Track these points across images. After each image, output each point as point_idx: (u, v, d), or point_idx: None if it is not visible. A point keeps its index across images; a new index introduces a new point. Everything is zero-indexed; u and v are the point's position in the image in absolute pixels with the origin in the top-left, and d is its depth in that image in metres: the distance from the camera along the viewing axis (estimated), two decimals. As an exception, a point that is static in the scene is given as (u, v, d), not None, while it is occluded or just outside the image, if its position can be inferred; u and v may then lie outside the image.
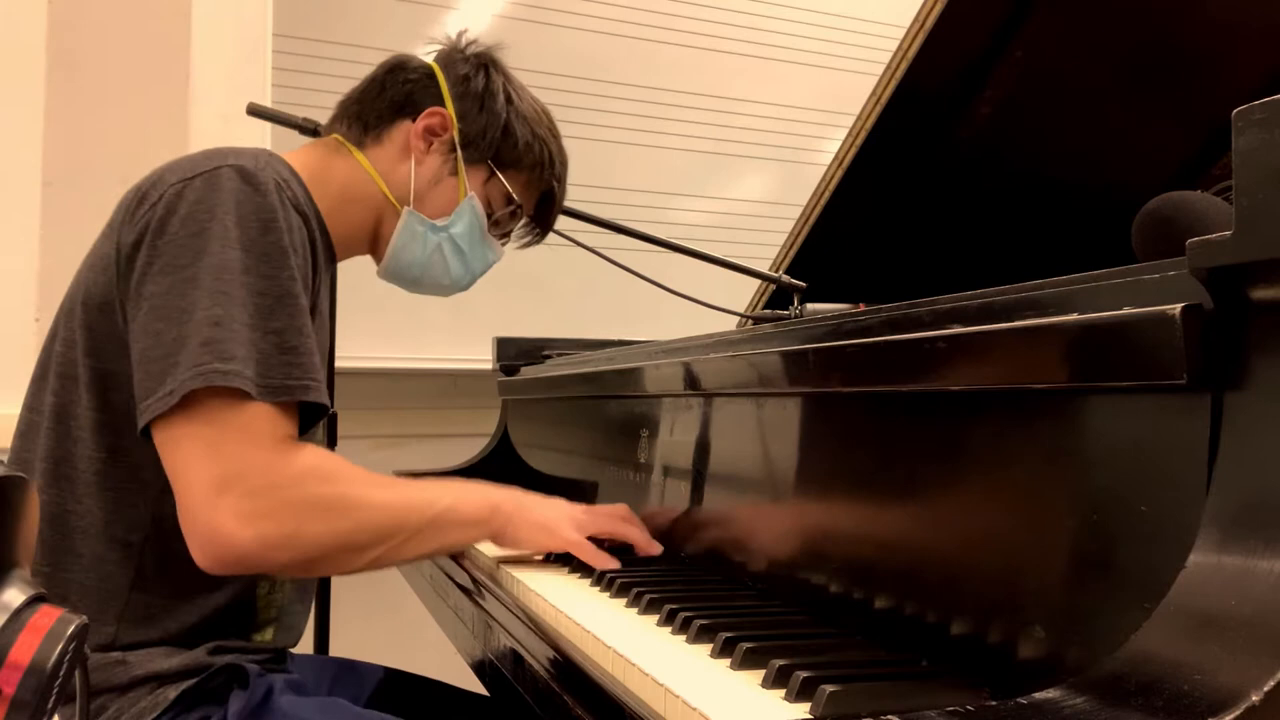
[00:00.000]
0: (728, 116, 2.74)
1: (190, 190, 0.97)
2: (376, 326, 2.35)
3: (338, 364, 1.94)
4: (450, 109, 1.19)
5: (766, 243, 1.81)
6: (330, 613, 1.79)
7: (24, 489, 0.50)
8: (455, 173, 1.19)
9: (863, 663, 0.68)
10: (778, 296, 1.46)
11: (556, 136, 1.27)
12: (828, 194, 1.38)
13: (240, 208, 0.96)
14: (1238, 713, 0.40)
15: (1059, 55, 1.25)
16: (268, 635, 1.09)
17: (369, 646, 1.51)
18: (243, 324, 0.93)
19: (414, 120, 1.18)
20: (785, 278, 1.40)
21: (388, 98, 1.19)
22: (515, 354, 1.83)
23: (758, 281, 1.54)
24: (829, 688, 0.59)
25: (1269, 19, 1.22)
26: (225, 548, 0.90)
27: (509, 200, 1.23)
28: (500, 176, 1.21)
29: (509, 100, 1.22)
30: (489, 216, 1.23)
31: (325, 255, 1.10)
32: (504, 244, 1.30)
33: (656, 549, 1.11)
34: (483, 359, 1.90)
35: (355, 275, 2.21)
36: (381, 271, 1.24)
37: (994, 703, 0.48)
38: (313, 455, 0.98)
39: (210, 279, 0.93)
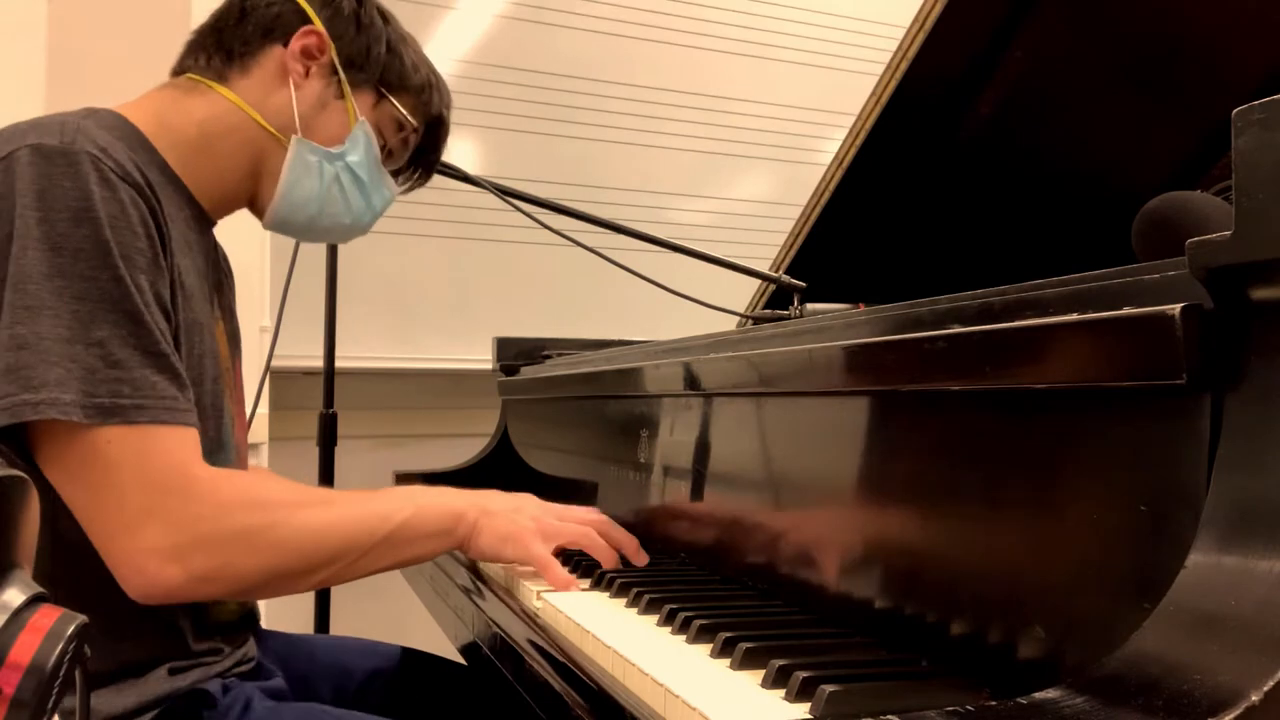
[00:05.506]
0: (728, 116, 2.74)
1: None
2: (376, 326, 2.35)
3: (338, 364, 1.94)
4: (322, 30, 1.07)
5: (766, 243, 1.82)
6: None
7: (24, 489, 0.50)
8: (340, 96, 1.08)
9: (863, 663, 0.68)
10: (778, 296, 1.46)
11: (431, 64, 1.18)
12: (828, 194, 1.39)
13: (43, 198, 0.83)
14: (1237, 713, 0.40)
15: (1059, 55, 1.25)
16: (232, 605, 1.03)
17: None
18: (57, 339, 0.82)
19: (285, 44, 1.06)
20: (785, 278, 1.40)
21: (252, 22, 1.07)
22: (515, 354, 1.83)
23: (758, 281, 1.54)
24: (829, 688, 0.59)
25: (1269, 19, 1.22)
26: (152, 586, 0.85)
27: (400, 126, 1.13)
28: (391, 99, 1.11)
29: (385, 20, 1.12)
30: (381, 147, 1.12)
31: (186, 222, 0.99)
32: (399, 183, 1.19)
33: (642, 559, 1.05)
34: (483, 359, 1.90)
35: (355, 275, 2.21)
36: (269, 216, 1.10)
37: (994, 703, 0.48)
38: (236, 481, 0.93)
39: (11, 293, 0.82)
